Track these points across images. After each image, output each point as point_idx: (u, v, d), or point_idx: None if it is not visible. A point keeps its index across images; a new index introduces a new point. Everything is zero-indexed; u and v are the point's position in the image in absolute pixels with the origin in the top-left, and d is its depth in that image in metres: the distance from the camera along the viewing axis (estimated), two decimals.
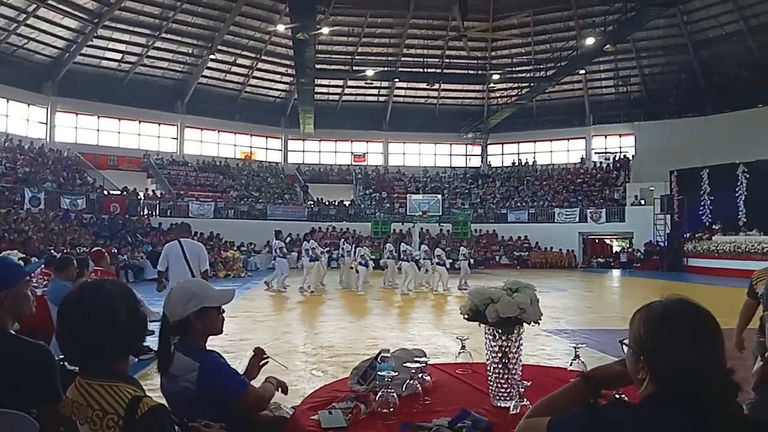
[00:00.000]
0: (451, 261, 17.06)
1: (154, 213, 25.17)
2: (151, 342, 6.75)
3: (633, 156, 31.15)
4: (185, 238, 6.64)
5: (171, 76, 30.20)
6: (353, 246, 15.63)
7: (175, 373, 2.08)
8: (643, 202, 27.62)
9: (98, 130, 28.63)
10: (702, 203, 24.85)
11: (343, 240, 17.90)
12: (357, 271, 14.93)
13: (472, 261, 18.50)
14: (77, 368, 1.55)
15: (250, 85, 32.36)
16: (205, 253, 6.60)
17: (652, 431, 1.16)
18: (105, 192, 24.84)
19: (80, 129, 28.10)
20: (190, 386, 2.07)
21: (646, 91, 31.76)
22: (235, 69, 31.16)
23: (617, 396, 1.67)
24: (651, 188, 27.09)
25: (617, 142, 33.01)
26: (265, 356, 2.44)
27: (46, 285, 6.03)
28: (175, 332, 2.16)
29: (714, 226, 23.53)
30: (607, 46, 23.98)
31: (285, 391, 2.39)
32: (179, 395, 2.08)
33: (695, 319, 1.21)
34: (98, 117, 28.46)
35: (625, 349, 1.31)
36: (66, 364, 1.98)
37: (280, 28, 25.49)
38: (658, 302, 1.26)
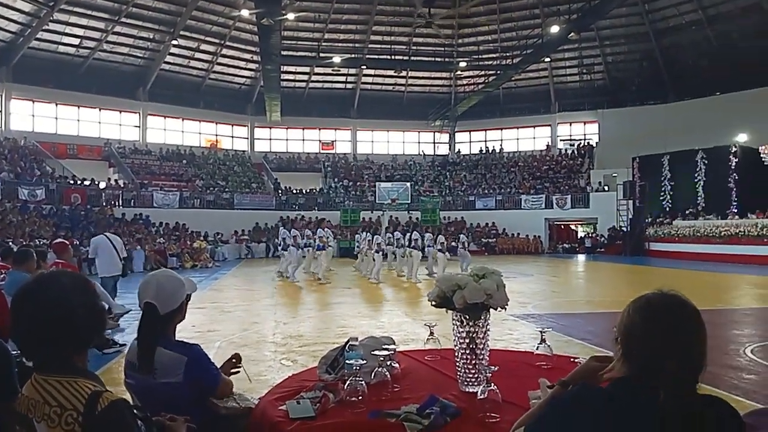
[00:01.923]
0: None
1: (116, 203, 24.57)
2: (117, 335, 6.63)
3: (597, 143, 31.76)
4: (107, 232, 9.04)
5: (132, 62, 29.36)
6: (372, 234, 15.58)
7: (155, 368, 2.03)
8: (606, 188, 28.22)
9: (56, 118, 27.70)
10: (663, 189, 25.53)
11: (360, 229, 17.96)
12: (374, 260, 14.69)
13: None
14: (33, 364, 1.49)
15: (215, 72, 31.74)
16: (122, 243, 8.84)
17: (618, 411, 1.21)
18: (65, 182, 24.13)
19: (37, 117, 27.13)
20: (172, 381, 2.03)
21: (610, 79, 32.35)
22: (198, 55, 30.49)
23: None
24: (614, 174, 27.70)
25: (582, 130, 33.59)
26: (239, 365, 2.44)
27: (3, 278, 5.83)
28: (166, 323, 2.11)
29: (687, 210, 24.03)
30: (572, 34, 24.30)
31: (239, 360, 2.43)
32: (154, 390, 2.03)
33: (676, 312, 1.26)
34: (56, 104, 27.51)
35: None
36: (24, 360, 1.92)
37: (245, 13, 25.02)
38: (649, 293, 1.32)
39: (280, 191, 30.57)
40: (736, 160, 22.76)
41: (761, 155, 23.49)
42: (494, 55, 30.71)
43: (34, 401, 1.40)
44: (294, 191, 30.87)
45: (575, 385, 1.40)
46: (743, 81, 26.05)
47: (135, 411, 1.44)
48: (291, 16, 25.16)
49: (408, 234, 15.65)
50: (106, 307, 5.52)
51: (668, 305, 1.27)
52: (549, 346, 2.52)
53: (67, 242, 7.81)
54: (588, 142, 32.52)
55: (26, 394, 1.44)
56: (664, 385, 1.18)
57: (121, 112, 29.61)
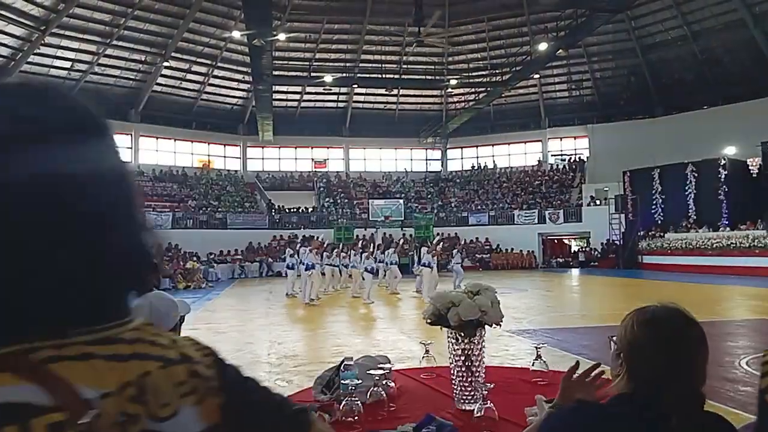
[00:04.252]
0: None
1: None
2: None
3: (587, 157, 31.99)
4: None
5: (124, 84, 29.43)
6: (360, 253, 15.43)
7: None
8: (598, 202, 28.37)
9: None
10: (654, 202, 25.69)
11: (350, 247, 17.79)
12: (363, 278, 14.41)
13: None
14: None
15: (207, 93, 31.85)
16: None
17: (618, 428, 1.17)
18: None
19: None
20: None
21: (598, 94, 32.70)
22: (190, 76, 30.61)
23: None
24: (605, 188, 27.87)
25: (572, 144, 33.84)
26: None
27: None
28: None
29: (682, 223, 24.13)
30: (560, 51, 24.57)
31: None
32: None
33: (685, 331, 1.23)
34: None
35: (612, 345, 1.33)
36: None
37: (236, 34, 25.19)
38: (651, 306, 1.28)
39: (273, 210, 30.54)
40: (726, 172, 22.98)
41: (750, 167, 23.77)
42: (484, 73, 31.03)
43: None
44: (287, 210, 30.83)
45: (573, 402, 1.38)
46: (729, 95, 26.41)
47: None
48: (282, 36, 25.33)
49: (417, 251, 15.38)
50: None
51: (677, 324, 1.24)
52: (545, 361, 2.51)
53: None
54: (579, 157, 32.76)
55: None
56: (670, 404, 1.15)
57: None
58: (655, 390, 1.18)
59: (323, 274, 14.83)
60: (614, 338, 1.33)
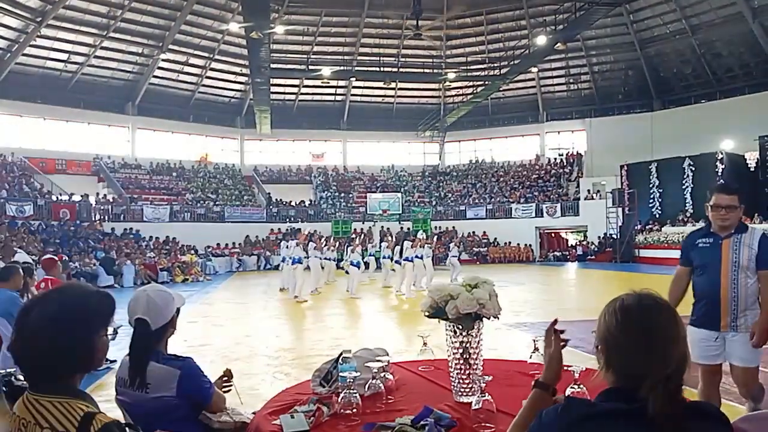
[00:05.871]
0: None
1: (106, 218, 24.40)
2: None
3: (585, 151, 31.99)
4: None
5: (121, 76, 29.29)
6: (346, 247, 15.30)
7: (148, 382, 2.02)
8: (598, 191, 28.37)
9: (45, 134, 27.52)
10: (651, 196, 25.72)
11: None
12: (347, 272, 14.20)
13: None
14: (25, 383, 1.47)
15: (204, 86, 31.72)
16: None
17: (605, 424, 1.17)
18: (54, 197, 23.93)
19: (25, 132, 26.94)
20: (165, 395, 2.01)
21: (596, 88, 32.65)
22: (187, 69, 30.48)
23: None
24: (603, 182, 27.88)
25: (570, 138, 33.80)
26: (230, 383, 2.43)
27: None
28: (158, 338, 2.10)
29: (679, 217, 24.17)
30: (558, 44, 24.53)
31: (230, 377, 2.45)
32: (147, 405, 2.02)
33: (649, 314, 1.22)
34: (44, 119, 27.35)
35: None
36: (13, 379, 1.89)
37: (233, 27, 25.07)
38: (623, 295, 1.27)
39: (271, 204, 30.51)
40: (723, 166, 23.02)
41: (747, 161, 23.80)
42: (482, 66, 30.93)
43: (25, 421, 1.38)
44: (285, 203, 30.81)
45: (562, 400, 1.36)
46: (727, 89, 26.38)
47: (127, 429, 1.42)
48: (280, 29, 25.25)
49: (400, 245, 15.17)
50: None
51: (643, 309, 1.23)
52: (542, 354, 2.52)
53: (56, 258, 7.72)
54: (576, 151, 32.74)
55: (18, 414, 1.41)
56: (648, 394, 1.14)
57: (110, 126, 29.47)
58: (632, 380, 1.17)
59: (307, 268, 14.16)
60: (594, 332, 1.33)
